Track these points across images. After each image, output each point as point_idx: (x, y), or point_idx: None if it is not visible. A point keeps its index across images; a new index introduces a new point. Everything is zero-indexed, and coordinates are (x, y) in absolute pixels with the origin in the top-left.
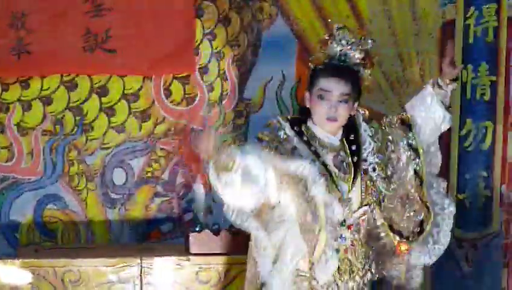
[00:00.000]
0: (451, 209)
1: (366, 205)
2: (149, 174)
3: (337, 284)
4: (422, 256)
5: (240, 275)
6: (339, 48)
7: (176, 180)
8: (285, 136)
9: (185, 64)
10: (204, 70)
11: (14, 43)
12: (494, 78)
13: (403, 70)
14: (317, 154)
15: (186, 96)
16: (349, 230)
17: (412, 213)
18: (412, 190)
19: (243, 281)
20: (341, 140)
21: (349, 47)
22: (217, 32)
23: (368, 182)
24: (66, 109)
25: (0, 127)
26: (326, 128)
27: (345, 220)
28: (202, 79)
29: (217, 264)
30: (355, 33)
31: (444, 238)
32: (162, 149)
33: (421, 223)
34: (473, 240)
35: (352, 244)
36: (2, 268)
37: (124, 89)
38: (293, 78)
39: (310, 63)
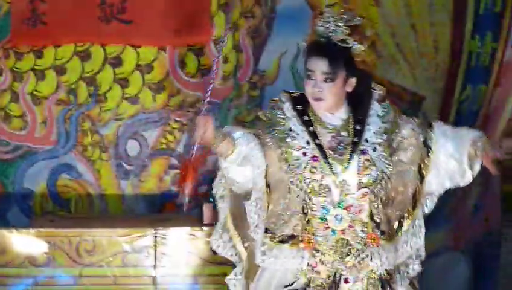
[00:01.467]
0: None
1: (365, 188)
2: (163, 146)
3: (322, 262)
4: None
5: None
6: (326, 26)
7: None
8: (282, 116)
9: (200, 35)
10: (218, 42)
11: (30, 14)
12: (495, 45)
13: (416, 42)
14: (314, 136)
15: (201, 68)
16: (348, 211)
17: (397, 211)
18: (408, 188)
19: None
20: (347, 118)
21: (334, 24)
22: (231, 4)
23: (366, 162)
24: (79, 79)
25: (14, 96)
26: (315, 108)
27: (341, 201)
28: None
29: None
30: (345, 10)
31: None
32: (176, 121)
33: (400, 220)
34: None
35: (350, 226)
36: (17, 237)
37: (138, 60)
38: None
39: (302, 42)
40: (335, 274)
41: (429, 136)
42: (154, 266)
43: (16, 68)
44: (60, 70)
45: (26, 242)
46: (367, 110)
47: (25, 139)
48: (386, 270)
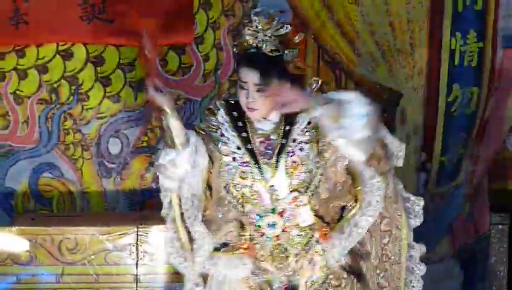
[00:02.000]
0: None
1: (296, 191)
2: (144, 144)
3: (265, 270)
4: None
5: None
6: (255, 36)
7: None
8: (216, 123)
9: (183, 34)
10: (200, 40)
11: (12, 13)
12: (481, 44)
13: (394, 39)
14: (246, 141)
15: (182, 66)
16: (281, 217)
17: (336, 202)
18: (342, 178)
19: None
20: (279, 121)
21: (264, 34)
22: (212, 2)
23: (293, 164)
24: (61, 78)
25: None
26: (249, 116)
27: (274, 207)
28: (198, 49)
29: None
30: (274, 17)
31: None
32: (157, 119)
33: (342, 209)
34: (442, 192)
35: (284, 230)
36: None
37: (119, 59)
38: None
39: (234, 49)
40: (284, 281)
41: None
42: (137, 264)
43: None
44: (42, 70)
45: (9, 241)
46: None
47: (7, 138)
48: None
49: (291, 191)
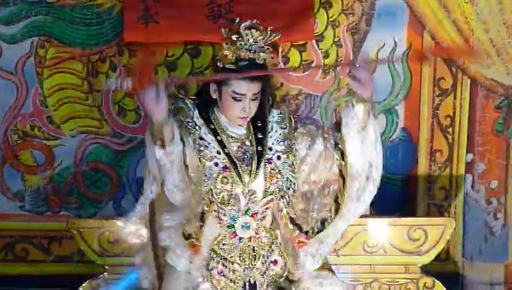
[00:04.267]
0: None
1: (270, 195)
2: None
3: (234, 271)
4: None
5: None
6: (248, 48)
7: None
8: (192, 125)
9: (304, 32)
10: (320, 38)
11: (142, 12)
12: None
13: (508, 37)
14: (223, 145)
15: (303, 63)
16: (254, 218)
17: (315, 211)
18: (330, 190)
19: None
20: (247, 128)
21: (257, 46)
22: (332, 1)
23: (272, 171)
24: (189, 74)
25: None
26: (237, 124)
27: (249, 209)
28: (318, 46)
29: None
30: (262, 30)
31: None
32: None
33: (323, 222)
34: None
35: (256, 233)
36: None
37: None
38: (404, 44)
39: (218, 62)
40: (249, 281)
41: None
42: None
43: (130, 65)
44: (171, 67)
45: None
46: (266, 117)
47: (138, 132)
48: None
49: (266, 196)
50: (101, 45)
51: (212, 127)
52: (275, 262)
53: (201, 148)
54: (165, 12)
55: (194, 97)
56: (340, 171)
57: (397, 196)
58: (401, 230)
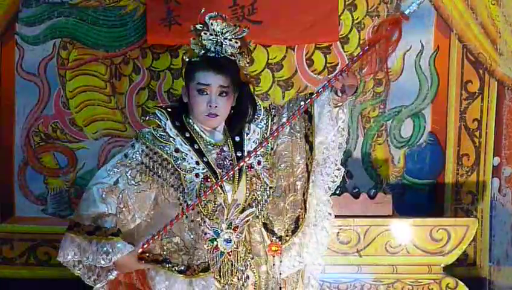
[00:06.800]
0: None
1: (250, 207)
2: None
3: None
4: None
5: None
6: (213, 39)
7: None
8: (166, 138)
9: (328, 34)
10: (345, 40)
11: (165, 15)
12: None
13: None
14: (201, 154)
15: (328, 65)
16: (235, 232)
17: (291, 213)
18: (298, 186)
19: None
20: (224, 133)
21: (223, 37)
22: (357, 3)
23: (253, 178)
24: None
25: (151, 93)
26: (207, 124)
27: (231, 223)
28: (343, 49)
29: (356, 225)
30: (229, 21)
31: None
32: None
33: (297, 220)
34: None
35: (236, 246)
36: None
37: (268, 58)
38: (431, 47)
39: (183, 56)
40: None
41: (308, 127)
42: None
43: (153, 67)
44: None
45: None
46: (244, 121)
47: None
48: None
49: (246, 207)
50: (124, 47)
51: (188, 135)
52: (247, 277)
53: (179, 161)
54: (188, 14)
55: (168, 107)
56: (307, 165)
57: (424, 201)
58: (424, 230)
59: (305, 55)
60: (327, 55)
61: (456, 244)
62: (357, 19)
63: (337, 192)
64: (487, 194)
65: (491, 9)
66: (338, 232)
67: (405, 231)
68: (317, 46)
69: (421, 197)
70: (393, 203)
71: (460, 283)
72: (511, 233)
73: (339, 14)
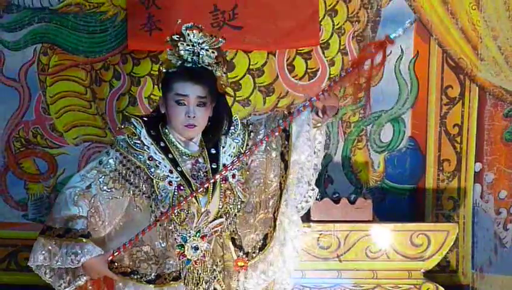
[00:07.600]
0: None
1: (221, 217)
2: None
3: None
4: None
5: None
6: (190, 49)
7: None
8: (140, 146)
9: (309, 38)
10: (325, 45)
11: (145, 20)
12: None
13: None
14: (175, 163)
15: (308, 71)
16: (203, 241)
17: (260, 230)
18: (270, 204)
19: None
20: (200, 144)
21: (200, 47)
22: (338, 9)
23: (227, 191)
24: None
25: (132, 99)
26: (185, 135)
27: (199, 231)
28: (323, 54)
29: (336, 230)
30: (205, 31)
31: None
32: None
33: (265, 238)
34: None
35: (203, 256)
36: None
37: (249, 64)
38: (411, 52)
39: (160, 67)
40: None
41: (285, 144)
42: None
43: (134, 73)
44: None
45: None
46: (220, 131)
47: None
48: None
49: (217, 217)
50: (105, 52)
51: (163, 145)
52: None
53: (152, 169)
54: (169, 19)
55: (145, 117)
56: (280, 183)
57: (405, 206)
58: (404, 235)
59: (286, 61)
60: (308, 61)
61: (436, 250)
62: (338, 24)
63: (318, 197)
64: (469, 200)
65: (472, 14)
66: (318, 238)
67: (385, 236)
68: (298, 51)
69: (402, 203)
70: (373, 208)
71: (441, 288)
72: (494, 240)
73: (320, 19)
